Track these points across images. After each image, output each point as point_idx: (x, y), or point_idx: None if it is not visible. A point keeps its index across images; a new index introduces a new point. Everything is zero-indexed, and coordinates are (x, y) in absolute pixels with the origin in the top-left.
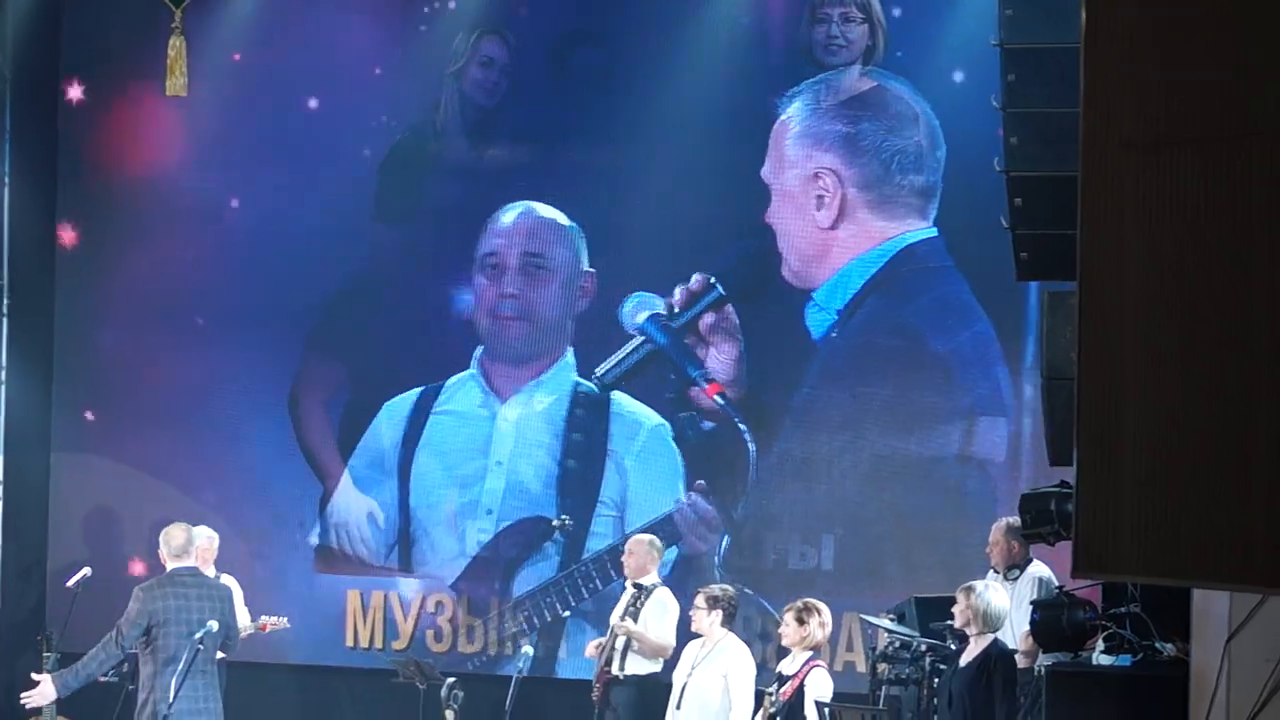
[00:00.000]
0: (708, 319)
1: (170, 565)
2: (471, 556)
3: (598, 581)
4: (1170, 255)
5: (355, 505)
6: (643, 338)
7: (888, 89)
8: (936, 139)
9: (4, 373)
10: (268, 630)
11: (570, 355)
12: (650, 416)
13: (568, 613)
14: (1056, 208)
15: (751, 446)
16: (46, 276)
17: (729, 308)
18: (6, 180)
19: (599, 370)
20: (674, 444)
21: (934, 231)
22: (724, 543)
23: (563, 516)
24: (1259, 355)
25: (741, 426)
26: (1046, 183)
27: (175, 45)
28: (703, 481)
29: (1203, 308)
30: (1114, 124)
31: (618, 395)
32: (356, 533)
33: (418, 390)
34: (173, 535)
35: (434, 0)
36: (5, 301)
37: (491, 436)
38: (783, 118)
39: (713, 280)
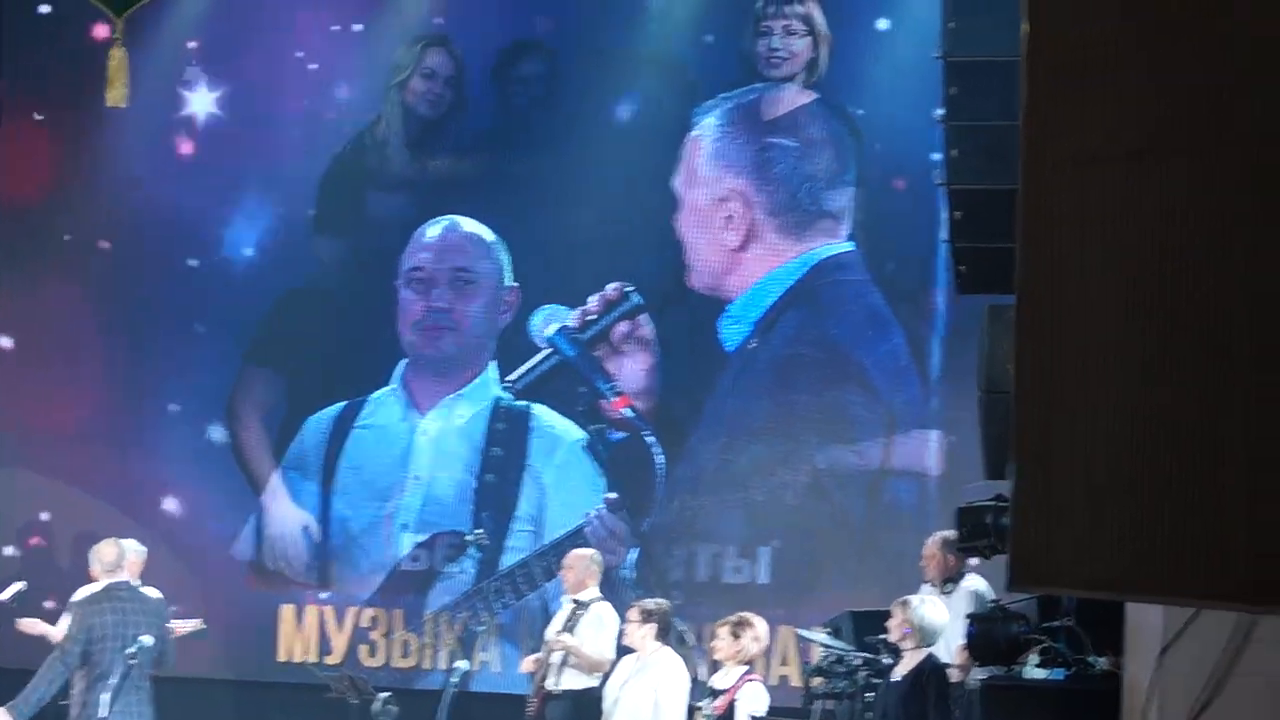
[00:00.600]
0: (622, 327)
1: (104, 580)
2: (388, 572)
3: (510, 596)
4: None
5: (290, 519)
6: (551, 350)
7: (825, 103)
8: (859, 154)
9: None
10: (179, 634)
11: (492, 369)
12: (571, 431)
13: (482, 627)
14: (996, 221)
15: (660, 458)
16: None
17: (643, 317)
18: None
19: (511, 376)
20: (590, 458)
21: (850, 246)
22: (632, 556)
23: (477, 531)
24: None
25: (650, 439)
26: (987, 196)
27: (116, 56)
28: (614, 495)
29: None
30: (1055, 137)
31: (538, 409)
32: (291, 547)
33: (340, 405)
34: (104, 551)
35: (375, 12)
36: None
37: (410, 450)
38: (694, 133)
39: (628, 289)
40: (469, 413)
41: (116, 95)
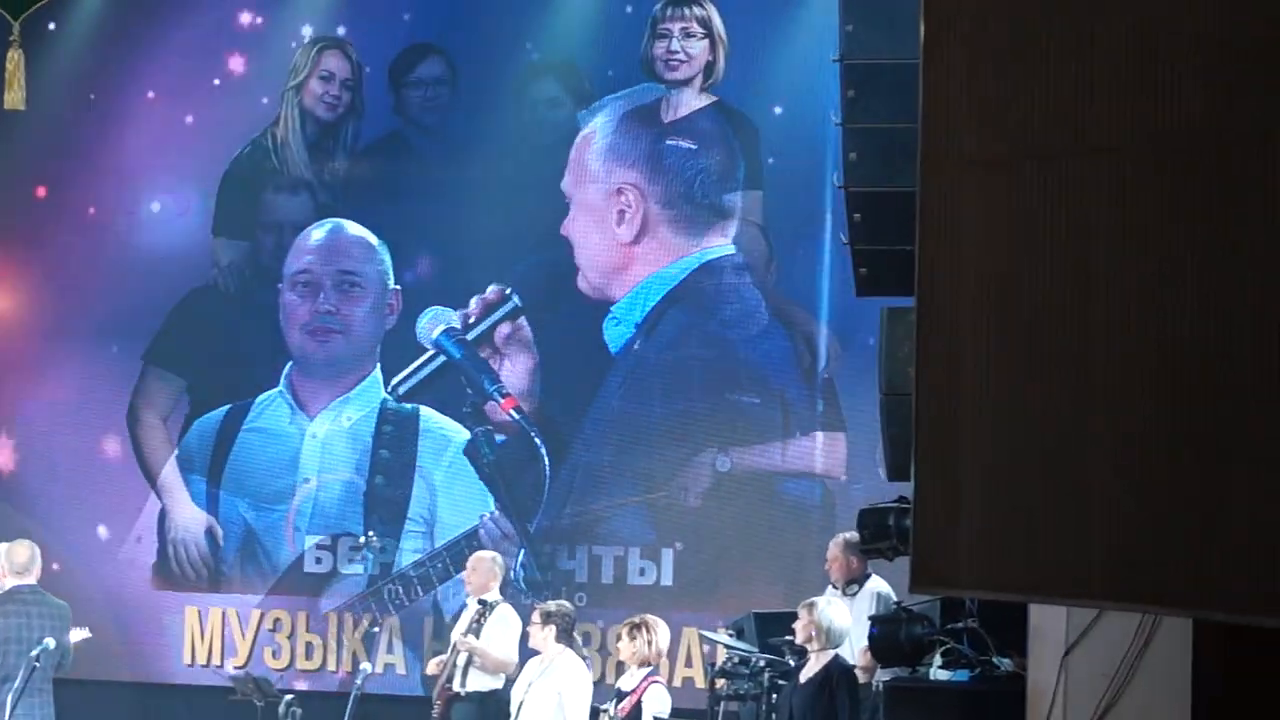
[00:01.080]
0: (503, 330)
1: (9, 582)
2: (289, 574)
3: (405, 598)
4: (1008, 272)
5: (191, 521)
6: (435, 352)
7: (721, 106)
8: (764, 158)
9: None
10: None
11: (378, 372)
12: (459, 432)
13: (376, 629)
14: (895, 223)
15: (546, 460)
16: None
17: (523, 319)
18: None
19: (395, 380)
20: (477, 459)
21: (732, 249)
22: (520, 556)
23: (369, 534)
24: (1093, 369)
25: (537, 440)
26: (885, 198)
27: (13, 58)
28: (502, 497)
29: (1039, 324)
30: (952, 139)
31: (426, 411)
32: (195, 549)
33: (225, 407)
34: (15, 552)
35: (270, 14)
36: None
37: (299, 453)
38: (586, 131)
39: (508, 291)
40: (356, 415)
41: (14, 99)
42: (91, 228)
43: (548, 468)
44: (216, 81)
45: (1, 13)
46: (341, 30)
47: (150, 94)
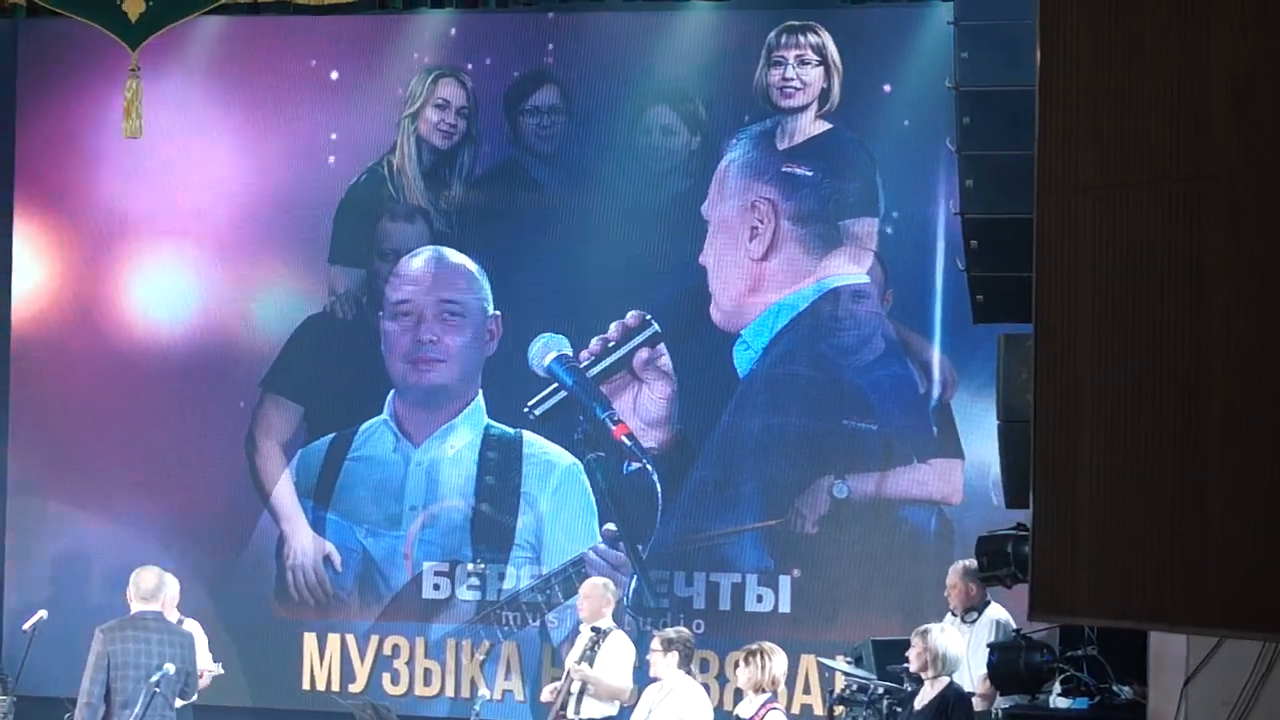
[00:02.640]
0: (643, 355)
1: (135, 607)
2: (406, 600)
3: (514, 625)
4: (1126, 298)
5: (311, 548)
6: (548, 378)
7: (839, 134)
8: (879, 185)
9: None
10: (202, 679)
11: (480, 399)
12: (563, 457)
13: (483, 656)
14: (1012, 250)
15: (659, 487)
16: (2, 317)
17: (663, 345)
18: None
19: (531, 403)
20: (587, 485)
21: (855, 276)
22: (632, 583)
23: (478, 562)
24: (1212, 399)
25: (649, 468)
26: (1002, 225)
27: (131, 87)
28: (611, 525)
29: (1156, 351)
30: (1069, 166)
31: (530, 437)
32: (313, 576)
33: (330, 436)
34: (143, 578)
35: (390, 44)
36: None
37: (406, 481)
38: (730, 157)
39: (648, 316)
40: (460, 442)
41: (133, 127)
42: (206, 257)
43: (660, 495)
44: (329, 111)
45: (119, 42)
46: (457, 59)
47: (262, 123)
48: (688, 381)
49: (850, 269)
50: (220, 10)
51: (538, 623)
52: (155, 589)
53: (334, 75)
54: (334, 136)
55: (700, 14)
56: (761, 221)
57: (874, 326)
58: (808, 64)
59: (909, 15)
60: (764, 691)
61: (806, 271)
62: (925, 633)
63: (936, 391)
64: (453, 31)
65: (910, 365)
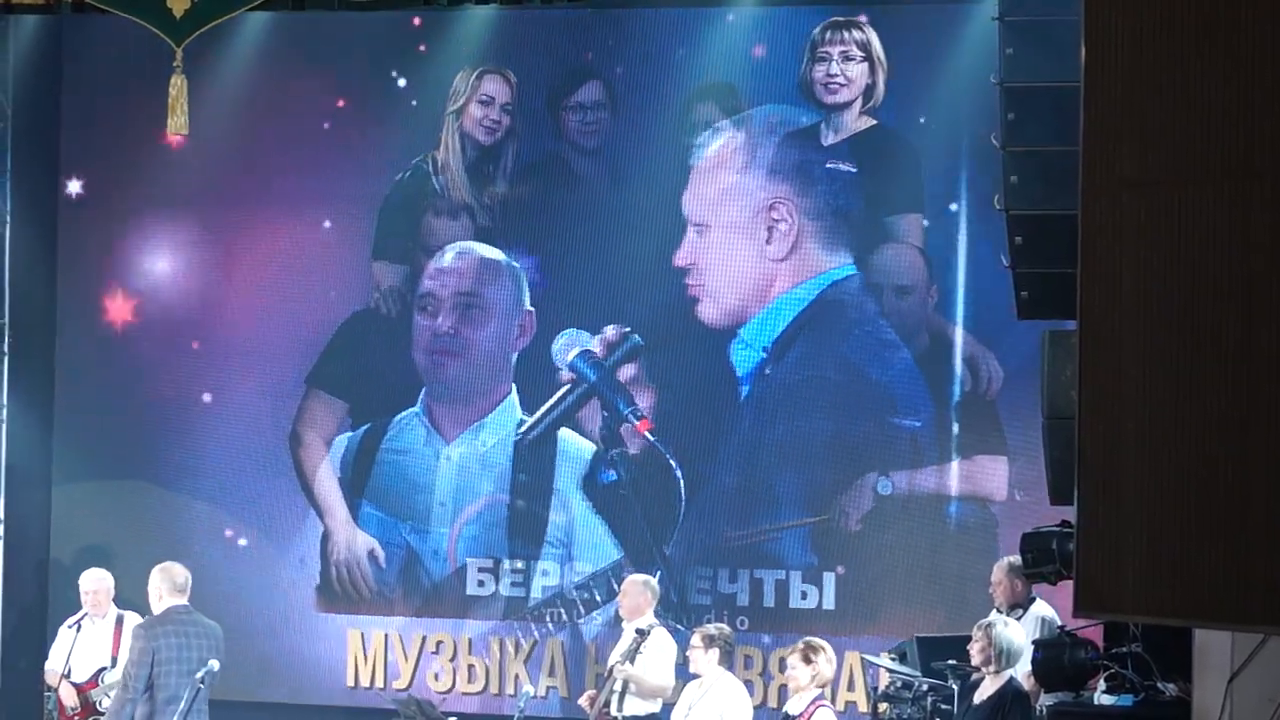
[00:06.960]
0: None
1: (167, 600)
2: (449, 596)
3: (550, 623)
4: (1171, 295)
5: (355, 543)
6: (569, 383)
7: (881, 129)
8: (923, 181)
9: (5, 411)
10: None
11: (514, 394)
12: (596, 454)
13: (527, 652)
14: (1057, 246)
15: (682, 483)
16: (48, 313)
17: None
18: (8, 219)
19: (529, 422)
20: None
21: (892, 270)
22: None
23: (515, 560)
24: (1257, 391)
25: (672, 463)
26: (1047, 221)
27: (177, 84)
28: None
29: (1201, 346)
30: (1113, 162)
31: (563, 433)
32: (357, 571)
33: (363, 428)
34: (175, 571)
35: (431, 40)
36: (6, 340)
37: (439, 477)
38: (762, 153)
39: (628, 329)
40: (493, 439)
41: (178, 123)
42: (249, 252)
43: (683, 490)
44: (374, 107)
45: (165, 38)
46: (501, 56)
47: (307, 120)
48: (688, 381)
49: (893, 265)
50: (264, 6)
51: (581, 620)
52: (187, 582)
53: (392, 74)
54: (378, 133)
55: (744, 10)
56: (785, 220)
57: (916, 323)
58: (852, 60)
59: (953, 11)
60: (823, 687)
61: (815, 264)
62: (989, 626)
63: (981, 388)
64: (497, 28)
65: (953, 362)
